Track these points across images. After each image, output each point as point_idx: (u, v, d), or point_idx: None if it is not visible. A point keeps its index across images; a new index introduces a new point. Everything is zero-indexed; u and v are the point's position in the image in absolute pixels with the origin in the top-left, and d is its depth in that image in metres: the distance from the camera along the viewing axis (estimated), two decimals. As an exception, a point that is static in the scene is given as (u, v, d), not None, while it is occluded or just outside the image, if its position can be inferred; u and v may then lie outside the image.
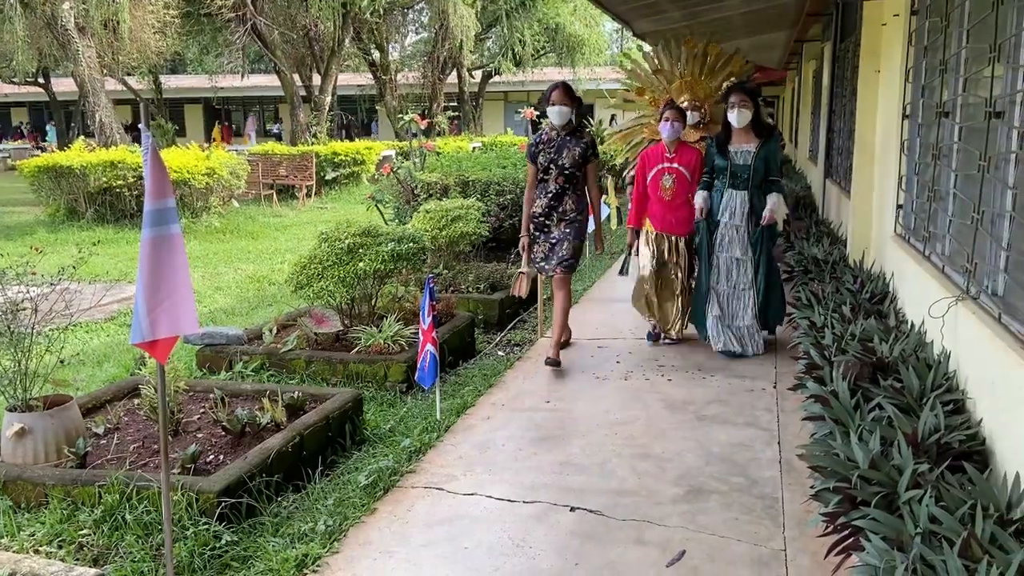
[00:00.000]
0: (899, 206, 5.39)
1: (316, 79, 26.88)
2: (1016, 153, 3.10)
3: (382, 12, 25.60)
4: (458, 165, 10.26)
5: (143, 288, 2.60)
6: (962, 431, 3.02)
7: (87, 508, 3.37)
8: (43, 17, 17.72)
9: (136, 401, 4.45)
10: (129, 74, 27.86)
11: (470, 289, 7.14)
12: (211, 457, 3.81)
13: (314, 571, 3.10)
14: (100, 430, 4.06)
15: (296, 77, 26.67)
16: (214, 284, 8.92)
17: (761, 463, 3.98)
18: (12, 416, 3.73)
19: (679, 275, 5.86)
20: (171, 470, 3.37)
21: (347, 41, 25.26)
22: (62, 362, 4.09)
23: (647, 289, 5.87)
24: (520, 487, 3.76)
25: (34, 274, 3.95)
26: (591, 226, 5.88)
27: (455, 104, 30.86)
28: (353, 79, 32.54)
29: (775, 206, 5.47)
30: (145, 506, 3.32)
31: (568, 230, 5.52)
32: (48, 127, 35.74)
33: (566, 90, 5.46)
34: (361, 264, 5.43)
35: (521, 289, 5.80)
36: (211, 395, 4.47)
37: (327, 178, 17.65)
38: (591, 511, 3.51)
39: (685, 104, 6.45)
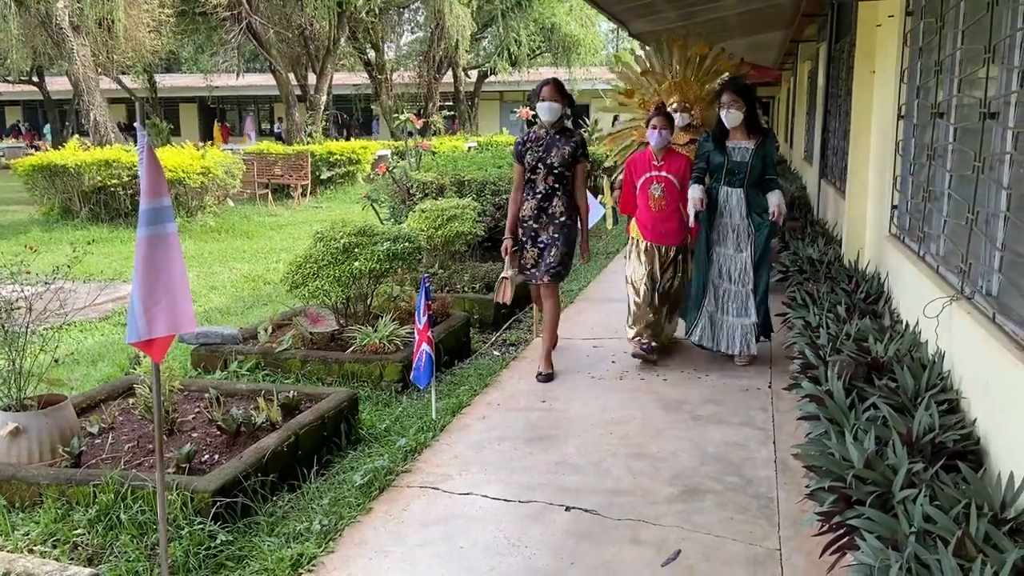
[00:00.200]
0: (894, 206, 5.40)
1: (312, 78, 26.83)
2: (1010, 154, 3.11)
3: (378, 11, 25.61)
4: (454, 165, 10.26)
5: (139, 287, 2.60)
6: (956, 431, 3.03)
7: (82, 507, 3.36)
8: (37, 15, 17.68)
9: (131, 400, 4.44)
10: (124, 73, 27.80)
11: (466, 289, 7.15)
12: (206, 457, 3.81)
13: (309, 571, 3.10)
14: (95, 429, 4.05)
15: (291, 76, 26.63)
16: (209, 283, 8.90)
17: (756, 463, 3.99)
18: (6, 415, 3.72)
19: (672, 287, 5.62)
20: (166, 469, 3.37)
21: (343, 40, 25.21)
22: (56, 361, 4.09)
23: (648, 312, 5.51)
24: (516, 487, 3.76)
25: (28, 273, 3.94)
26: (591, 223, 5.77)
27: (451, 104, 30.84)
28: (349, 78, 32.49)
29: (780, 201, 5.33)
30: (140, 506, 3.31)
31: (557, 235, 5.26)
32: (47, 126, 35.59)
33: (557, 86, 5.22)
34: (357, 263, 5.43)
35: (505, 295, 5.46)
36: (206, 395, 4.46)
37: (322, 177, 17.64)
38: (587, 511, 3.51)
39: (675, 106, 6.32)
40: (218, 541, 3.20)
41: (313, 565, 3.13)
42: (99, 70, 20.39)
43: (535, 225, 5.28)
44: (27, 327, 3.83)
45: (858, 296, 5.09)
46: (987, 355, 3.04)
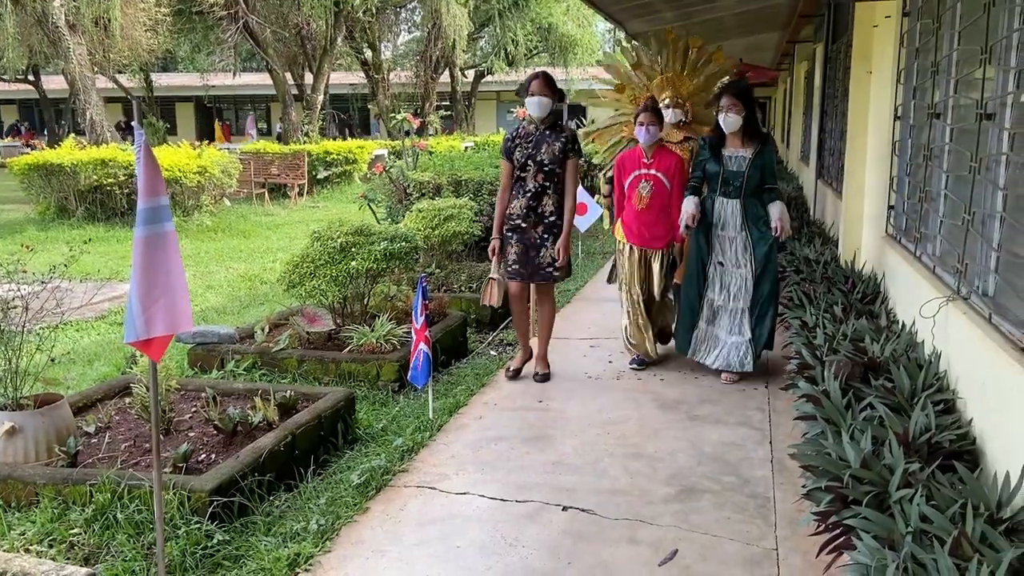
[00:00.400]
0: (890, 207, 5.41)
1: (308, 78, 26.81)
2: (1007, 155, 3.12)
3: (374, 11, 25.62)
4: (451, 164, 10.26)
5: (137, 287, 2.59)
6: (953, 431, 3.03)
7: (78, 507, 3.36)
8: (34, 14, 17.65)
9: (127, 400, 4.43)
10: (120, 72, 27.73)
11: (463, 288, 7.14)
12: (203, 456, 3.80)
13: (306, 570, 3.10)
14: (91, 429, 4.04)
15: (288, 76, 26.61)
16: (206, 283, 8.89)
17: (753, 462, 4.00)
18: (2, 415, 3.71)
19: (656, 295, 5.44)
20: (163, 469, 3.36)
21: (339, 40, 25.22)
22: (53, 360, 4.08)
23: (641, 324, 5.41)
24: (512, 486, 3.76)
25: (25, 272, 3.93)
26: (587, 224, 5.59)
27: (448, 104, 30.84)
28: (345, 78, 32.48)
29: (781, 214, 5.05)
30: (136, 505, 3.31)
31: (547, 235, 5.07)
32: (62, 124, 35.48)
33: (547, 80, 5.02)
34: (353, 263, 5.43)
35: (492, 298, 5.19)
36: (203, 394, 4.45)
37: (319, 177, 17.63)
38: (583, 510, 3.52)
39: (667, 101, 6.01)
40: (215, 541, 3.20)
41: (310, 565, 3.13)
42: (95, 69, 20.34)
43: (523, 224, 5.08)
44: (23, 326, 3.82)
45: (855, 296, 5.10)
46: (983, 355, 3.05)
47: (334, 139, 23.21)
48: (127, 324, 2.64)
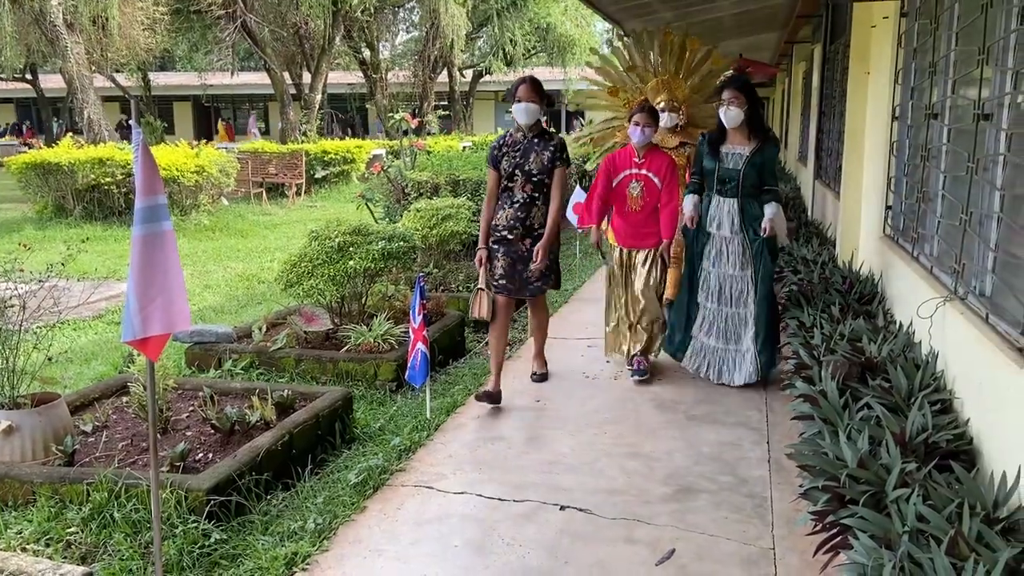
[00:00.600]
0: (888, 207, 5.42)
1: (306, 77, 26.80)
2: (1004, 155, 3.12)
3: (373, 10, 25.58)
4: (448, 164, 10.26)
5: (135, 285, 2.59)
6: (949, 431, 3.04)
7: (75, 506, 3.36)
8: (31, 13, 17.62)
9: (125, 399, 4.43)
10: (118, 71, 27.67)
11: (460, 288, 7.14)
12: (200, 455, 3.80)
13: (303, 569, 3.10)
14: (88, 428, 4.04)
15: (286, 75, 26.58)
16: (203, 282, 8.88)
17: (750, 462, 4.00)
18: (0, 413, 3.71)
19: (644, 294, 5.24)
20: (160, 468, 3.36)
21: (337, 39, 25.19)
22: (50, 359, 4.07)
23: (622, 328, 5.36)
24: (510, 486, 3.76)
25: (22, 271, 3.93)
26: (585, 227, 5.43)
27: (446, 103, 30.83)
28: (343, 77, 32.45)
29: (774, 215, 4.85)
30: (133, 504, 3.31)
31: (536, 248, 4.80)
32: (54, 124, 35.37)
33: (534, 85, 4.78)
34: (351, 263, 5.43)
35: (481, 310, 4.87)
36: (200, 393, 4.45)
37: (317, 176, 17.61)
38: (581, 510, 3.52)
39: (662, 105, 5.95)
40: (212, 540, 3.20)
41: (307, 564, 3.13)
42: (93, 68, 20.30)
43: (510, 236, 4.82)
44: (21, 325, 3.81)
45: (852, 296, 5.10)
46: (980, 355, 3.05)
47: (340, 139, 23.18)
48: (124, 323, 2.64)
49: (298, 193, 17.20)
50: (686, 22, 9.21)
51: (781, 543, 3.23)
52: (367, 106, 33.18)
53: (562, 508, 3.54)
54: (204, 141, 16.19)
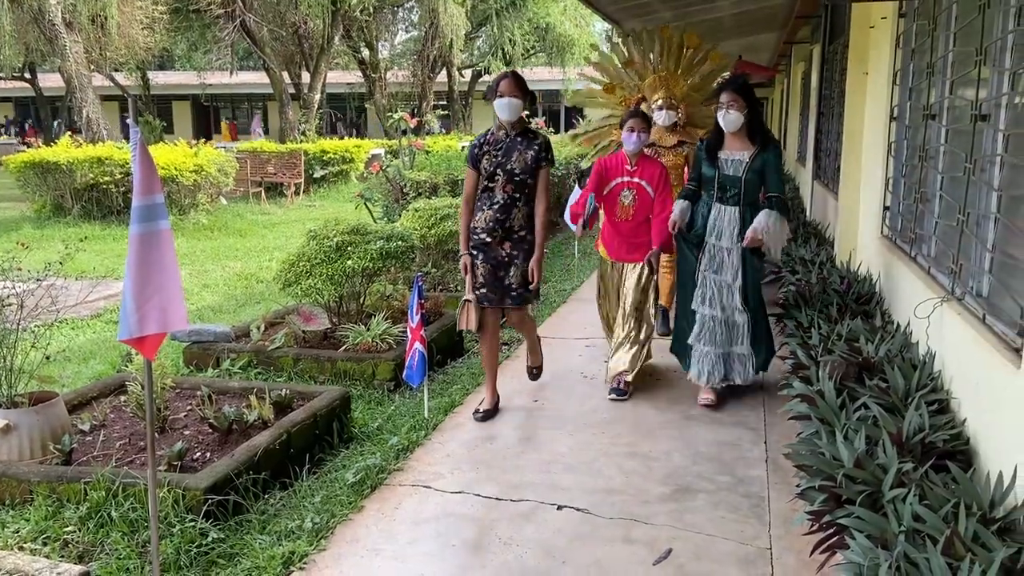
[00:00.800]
0: (886, 207, 5.42)
1: (305, 76, 26.79)
2: (1001, 156, 3.13)
3: (372, 10, 25.57)
4: (447, 164, 10.26)
5: (131, 284, 2.59)
6: (946, 431, 3.04)
7: (72, 505, 3.36)
8: (30, 11, 17.61)
9: (122, 398, 4.43)
10: (117, 70, 27.68)
11: (458, 288, 7.13)
12: (198, 454, 3.80)
13: (301, 568, 3.10)
14: (86, 427, 4.04)
15: (285, 74, 26.58)
16: (202, 281, 8.88)
17: (748, 462, 4.01)
18: (-3, 412, 3.71)
19: (636, 309, 5.00)
20: (157, 467, 3.36)
21: (336, 39, 25.18)
22: (48, 358, 4.08)
23: (606, 310, 5.26)
24: (507, 485, 3.76)
25: (20, 270, 3.92)
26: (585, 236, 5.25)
27: (445, 103, 30.83)
28: (342, 77, 32.46)
29: (763, 225, 4.54)
30: (131, 503, 3.31)
31: (516, 251, 4.55)
32: (57, 123, 35.31)
33: (516, 80, 4.53)
34: (349, 262, 5.43)
35: (469, 322, 4.59)
36: (198, 392, 4.45)
37: (315, 176, 17.63)
38: (578, 509, 3.52)
39: (659, 103, 5.79)
40: (209, 539, 3.20)
41: (305, 563, 3.13)
42: (92, 67, 20.31)
43: (488, 239, 4.54)
44: (18, 324, 3.82)
45: (850, 297, 5.10)
46: (977, 356, 3.06)
47: (341, 138, 23.16)
48: (121, 321, 2.64)
49: (297, 192, 17.21)
50: (685, 22, 9.21)
51: (778, 543, 3.23)
52: (366, 106, 33.14)
53: (560, 508, 3.54)
54: (203, 140, 16.17)
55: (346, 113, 37.27)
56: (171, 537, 3.15)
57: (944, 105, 4.10)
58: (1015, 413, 2.62)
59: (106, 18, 19.14)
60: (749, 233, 4.56)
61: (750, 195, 4.65)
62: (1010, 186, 3.07)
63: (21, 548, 3.15)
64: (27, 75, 32.68)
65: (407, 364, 4.59)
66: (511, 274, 4.55)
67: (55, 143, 15.60)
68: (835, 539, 2.65)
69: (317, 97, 25.09)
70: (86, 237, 10.75)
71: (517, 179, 4.51)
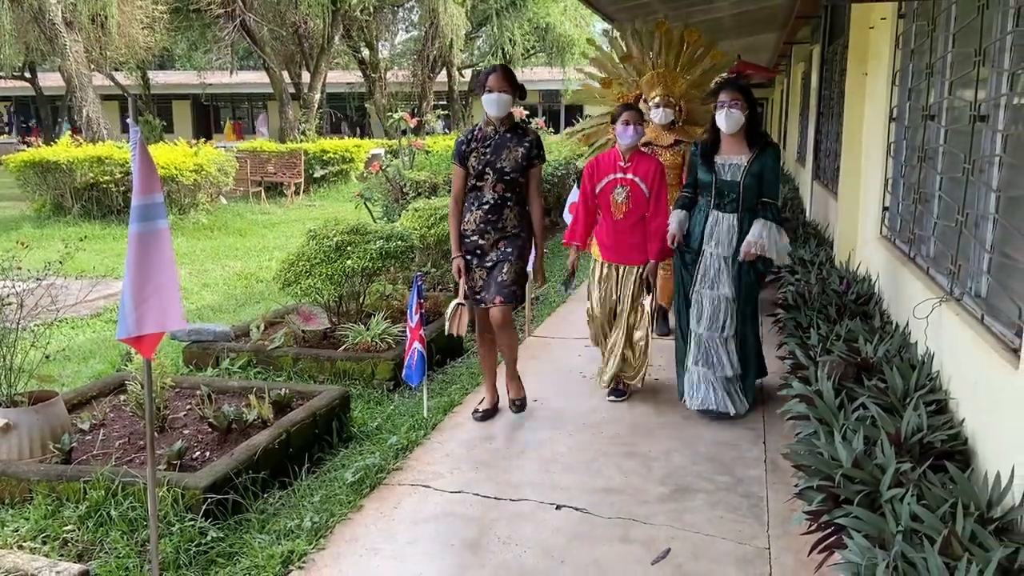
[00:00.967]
0: (885, 208, 5.42)
1: (305, 76, 26.79)
2: (1000, 156, 3.13)
3: (372, 10, 25.57)
4: (447, 164, 10.26)
5: (130, 283, 2.60)
6: (944, 431, 3.05)
7: (72, 504, 3.36)
8: (30, 11, 17.60)
9: (122, 397, 4.43)
10: (117, 69, 27.67)
11: (458, 288, 7.13)
12: (197, 453, 3.80)
13: (300, 567, 3.10)
14: (85, 426, 4.04)
15: (285, 74, 26.58)
16: (201, 281, 8.88)
17: (746, 462, 4.01)
18: (-3, 411, 3.71)
19: (634, 315, 4.83)
20: (157, 466, 3.36)
21: (337, 39, 25.18)
22: (47, 358, 4.08)
23: (600, 322, 4.94)
24: (506, 485, 3.77)
25: (19, 269, 3.93)
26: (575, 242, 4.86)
27: (445, 103, 30.83)
28: (343, 76, 32.45)
29: (759, 237, 4.35)
30: (130, 502, 3.31)
31: (509, 249, 4.40)
32: (64, 123, 35.28)
33: (505, 74, 4.34)
34: (349, 262, 5.43)
35: (460, 327, 4.47)
36: (198, 392, 4.46)
37: (315, 176, 17.63)
38: (577, 509, 3.53)
39: (656, 100, 5.65)
40: (209, 538, 3.20)
41: (304, 562, 3.13)
42: (92, 66, 20.30)
43: (480, 241, 4.41)
44: (18, 323, 3.82)
45: (849, 297, 5.11)
46: (975, 356, 3.06)
47: (343, 138, 23.16)
48: (120, 320, 2.65)
49: (297, 192, 17.21)
50: (685, 22, 9.20)
51: (776, 543, 3.24)
52: (366, 105, 33.13)
53: (559, 507, 3.55)
54: (203, 140, 16.17)
55: (347, 113, 37.26)
56: (170, 536, 3.15)
57: (943, 106, 4.11)
58: (1013, 413, 2.62)
59: (106, 17, 19.14)
60: (744, 247, 4.38)
61: (748, 201, 4.44)
62: (1009, 187, 3.08)
63: (21, 547, 3.16)
64: (27, 74, 32.70)
65: (406, 364, 4.60)
66: (503, 271, 4.39)
67: (55, 142, 15.61)
68: (833, 539, 2.66)
69: (317, 97, 25.09)
70: (86, 236, 10.76)
71: (508, 178, 4.36)
